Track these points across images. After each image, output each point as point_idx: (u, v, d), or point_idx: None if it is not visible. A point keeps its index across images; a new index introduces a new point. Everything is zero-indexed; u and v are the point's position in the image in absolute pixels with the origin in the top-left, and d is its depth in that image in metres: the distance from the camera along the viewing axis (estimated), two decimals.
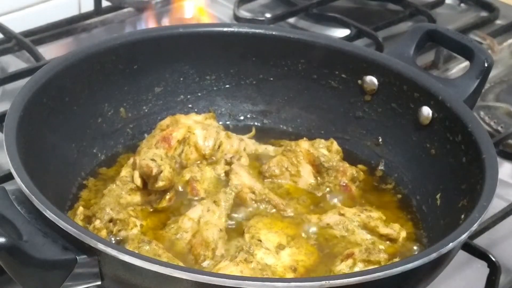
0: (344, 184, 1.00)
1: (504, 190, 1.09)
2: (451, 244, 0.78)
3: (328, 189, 1.00)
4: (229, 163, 0.99)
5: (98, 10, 1.41)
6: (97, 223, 0.89)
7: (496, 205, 1.01)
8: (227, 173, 0.98)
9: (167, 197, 0.95)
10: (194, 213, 0.92)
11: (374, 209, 0.97)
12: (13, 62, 1.29)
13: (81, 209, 0.91)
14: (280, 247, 0.89)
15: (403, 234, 0.93)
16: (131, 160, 0.98)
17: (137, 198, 0.95)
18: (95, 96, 1.01)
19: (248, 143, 1.05)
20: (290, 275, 0.86)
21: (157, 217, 0.94)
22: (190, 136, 1.01)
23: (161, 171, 0.93)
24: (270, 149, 1.05)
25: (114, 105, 1.04)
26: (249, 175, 0.98)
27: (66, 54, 1.00)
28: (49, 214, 0.77)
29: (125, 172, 0.97)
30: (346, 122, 1.07)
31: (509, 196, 1.08)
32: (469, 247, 0.95)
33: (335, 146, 1.03)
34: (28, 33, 1.32)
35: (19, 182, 0.80)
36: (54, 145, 0.94)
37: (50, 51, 1.29)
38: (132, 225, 0.90)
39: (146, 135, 1.05)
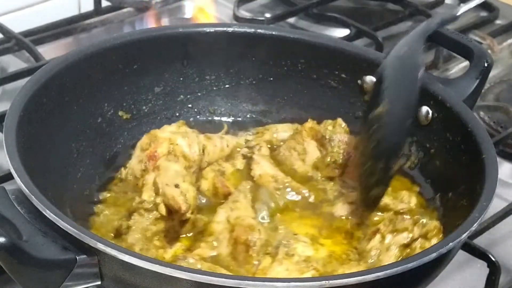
0: (347, 153, 0.99)
1: (504, 190, 1.09)
2: (451, 244, 0.78)
3: (330, 158, 1.00)
4: (246, 157, 1.00)
5: (98, 10, 1.41)
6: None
7: (496, 205, 1.01)
8: (248, 166, 0.98)
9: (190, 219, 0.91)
10: (220, 216, 0.90)
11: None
12: (13, 62, 1.29)
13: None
14: (313, 238, 0.89)
15: (413, 201, 0.93)
16: (149, 177, 0.93)
17: (161, 226, 0.91)
18: (95, 96, 1.01)
19: (228, 139, 1.05)
20: (331, 265, 0.87)
21: (185, 241, 0.91)
22: (174, 148, 0.97)
23: (190, 205, 0.90)
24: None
25: (113, 105, 1.04)
26: (270, 164, 0.98)
27: (66, 54, 1.00)
28: (49, 214, 0.77)
29: (146, 196, 0.92)
30: (346, 122, 1.07)
31: (509, 196, 1.08)
32: (469, 247, 0.96)
33: (339, 122, 1.03)
34: (28, 33, 1.32)
35: (19, 182, 0.80)
36: (54, 145, 0.94)
37: (50, 51, 1.29)
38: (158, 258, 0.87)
39: (146, 135, 1.05)
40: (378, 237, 0.87)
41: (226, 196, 0.95)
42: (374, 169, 0.90)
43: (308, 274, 0.83)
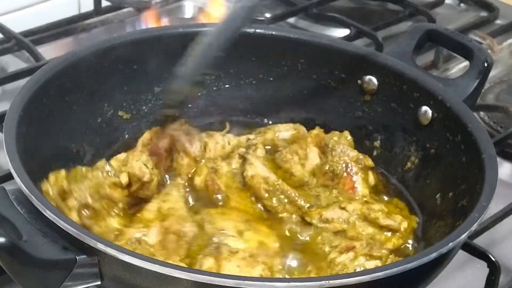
0: (346, 165, 0.99)
1: (504, 190, 1.09)
2: (451, 244, 0.78)
3: (329, 166, 0.99)
4: (242, 157, 1.00)
5: (98, 10, 1.41)
6: (72, 202, 0.88)
7: (496, 205, 1.01)
8: (242, 166, 0.98)
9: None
10: (152, 206, 0.92)
11: (376, 201, 0.96)
12: (13, 62, 1.29)
13: (56, 178, 0.89)
14: (239, 232, 0.90)
15: (404, 225, 0.93)
16: (122, 155, 0.97)
17: (115, 194, 0.93)
18: (95, 96, 1.01)
19: (230, 137, 1.05)
20: (267, 255, 0.87)
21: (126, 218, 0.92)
22: (176, 144, 1.00)
23: (152, 180, 0.93)
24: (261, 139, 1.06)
25: (113, 105, 1.04)
26: (264, 166, 0.98)
27: (65, 54, 1.00)
28: (49, 214, 0.77)
29: (114, 163, 0.95)
30: (346, 122, 1.07)
31: (509, 196, 1.08)
32: (469, 247, 0.96)
33: (345, 135, 1.03)
34: (27, 33, 1.32)
35: (19, 182, 0.80)
36: (54, 145, 0.94)
37: (50, 51, 1.29)
38: (100, 218, 0.89)
39: (147, 131, 1.06)
40: (350, 254, 0.86)
41: (216, 194, 0.96)
42: (174, 89, 0.95)
43: (258, 269, 0.83)
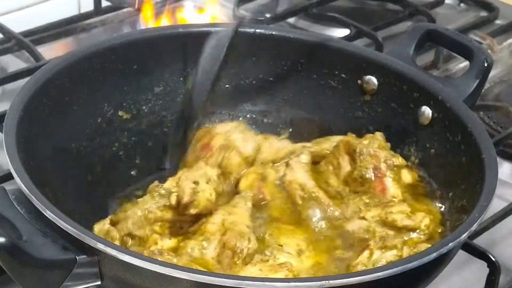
0: (375, 168, 0.97)
1: (504, 190, 1.09)
2: (451, 244, 0.78)
3: (357, 172, 0.97)
4: (287, 163, 0.99)
5: (98, 10, 1.41)
6: (114, 233, 0.88)
7: (496, 205, 1.01)
8: (284, 172, 0.98)
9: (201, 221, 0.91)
10: (217, 218, 0.90)
11: (398, 203, 0.94)
12: (13, 62, 1.29)
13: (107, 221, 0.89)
14: (300, 251, 0.89)
15: (426, 221, 0.90)
16: (184, 178, 0.94)
17: (168, 215, 0.91)
18: (95, 96, 1.01)
19: (286, 143, 1.04)
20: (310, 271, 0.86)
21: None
22: (229, 142, 0.99)
23: (194, 200, 0.90)
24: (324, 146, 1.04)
25: (113, 105, 1.04)
26: (304, 172, 0.97)
27: (66, 54, 1.00)
28: (49, 214, 0.77)
29: (168, 184, 0.93)
30: (346, 122, 1.07)
31: (509, 196, 1.08)
32: (469, 247, 0.96)
33: (377, 136, 1.00)
34: (27, 33, 1.32)
35: (19, 182, 0.80)
36: (54, 145, 0.94)
37: (50, 51, 1.29)
38: (151, 243, 0.88)
39: (145, 135, 1.06)
40: (366, 253, 0.86)
41: (260, 201, 0.95)
42: (177, 135, 0.97)
43: (281, 274, 0.82)
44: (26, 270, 0.76)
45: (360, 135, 1.06)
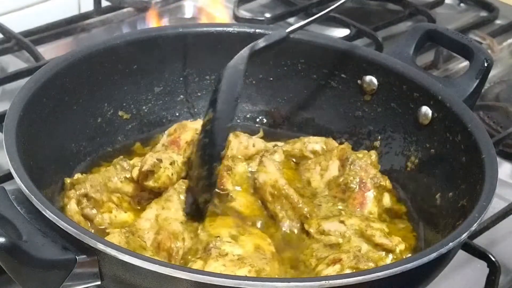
0: (361, 182, 0.97)
1: (504, 190, 1.09)
2: (451, 244, 0.78)
3: (343, 179, 0.98)
4: (261, 160, 0.99)
5: (98, 10, 1.41)
6: (71, 192, 0.90)
7: (496, 205, 1.01)
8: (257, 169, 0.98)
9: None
10: (150, 214, 0.91)
11: (378, 220, 0.94)
12: (13, 62, 1.29)
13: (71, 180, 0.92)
14: (234, 237, 0.89)
15: (401, 247, 0.91)
16: (148, 154, 0.96)
17: (128, 188, 0.94)
18: (94, 96, 1.01)
19: (257, 141, 1.05)
20: (263, 259, 0.86)
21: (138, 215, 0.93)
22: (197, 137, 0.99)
23: (154, 172, 0.92)
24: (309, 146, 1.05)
25: (113, 105, 1.04)
26: (276, 171, 0.97)
27: (65, 54, 1.00)
28: (49, 214, 0.77)
29: (134, 160, 0.97)
30: (346, 122, 1.07)
31: (509, 196, 1.08)
32: (469, 247, 0.96)
33: (371, 154, 1.01)
34: (27, 33, 1.32)
35: (19, 182, 0.80)
36: (54, 145, 0.94)
37: (50, 51, 1.29)
38: (105, 210, 0.90)
39: (145, 135, 1.06)
40: (337, 266, 0.85)
41: (223, 190, 0.96)
42: (200, 175, 0.92)
43: (244, 270, 0.82)
44: (26, 270, 0.75)
45: (360, 135, 1.06)
